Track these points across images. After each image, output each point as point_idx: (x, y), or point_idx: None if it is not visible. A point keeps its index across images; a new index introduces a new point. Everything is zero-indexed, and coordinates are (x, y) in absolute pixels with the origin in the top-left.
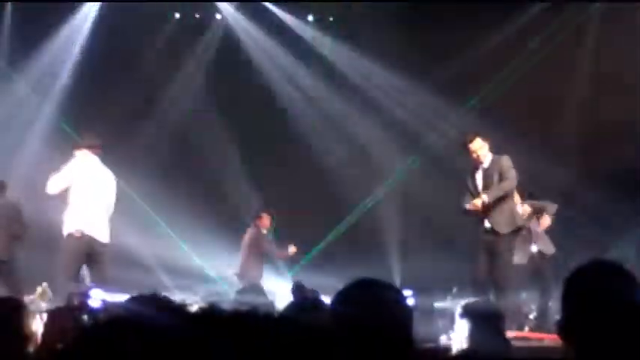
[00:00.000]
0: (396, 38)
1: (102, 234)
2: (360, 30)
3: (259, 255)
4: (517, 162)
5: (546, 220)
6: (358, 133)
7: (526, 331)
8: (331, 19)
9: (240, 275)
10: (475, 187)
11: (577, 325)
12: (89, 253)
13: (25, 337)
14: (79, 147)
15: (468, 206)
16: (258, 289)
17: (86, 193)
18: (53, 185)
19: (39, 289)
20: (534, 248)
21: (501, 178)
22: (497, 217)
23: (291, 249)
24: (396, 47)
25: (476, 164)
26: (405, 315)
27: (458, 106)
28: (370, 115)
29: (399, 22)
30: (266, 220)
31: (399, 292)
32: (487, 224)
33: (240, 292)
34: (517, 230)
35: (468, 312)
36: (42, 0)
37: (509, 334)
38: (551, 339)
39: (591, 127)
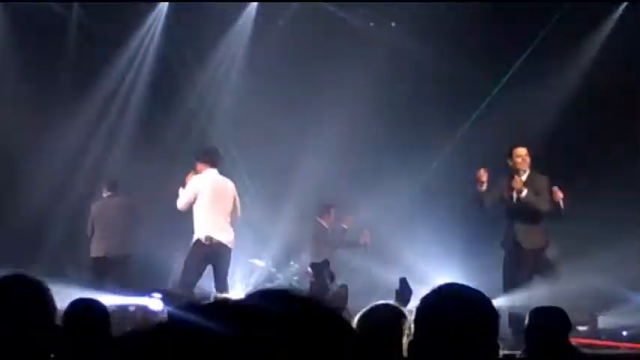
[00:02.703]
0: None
1: (227, 239)
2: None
3: (325, 248)
4: None
5: None
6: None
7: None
8: (393, 24)
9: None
10: (508, 198)
11: None
12: (215, 256)
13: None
14: (199, 161)
15: (515, 184)
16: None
17: (209, 204)
18: (182, 203)
19: None
20: None
21: (537, 195)
22: (524, 234)
23: (365, 237)
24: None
25: (512, 174)
26: (492, 322)
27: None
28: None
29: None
30: (330, 217)
31: (486, 299)
32: (515, 238)
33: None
34: (542, 249)
35: (537, 318)
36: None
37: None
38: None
39: None
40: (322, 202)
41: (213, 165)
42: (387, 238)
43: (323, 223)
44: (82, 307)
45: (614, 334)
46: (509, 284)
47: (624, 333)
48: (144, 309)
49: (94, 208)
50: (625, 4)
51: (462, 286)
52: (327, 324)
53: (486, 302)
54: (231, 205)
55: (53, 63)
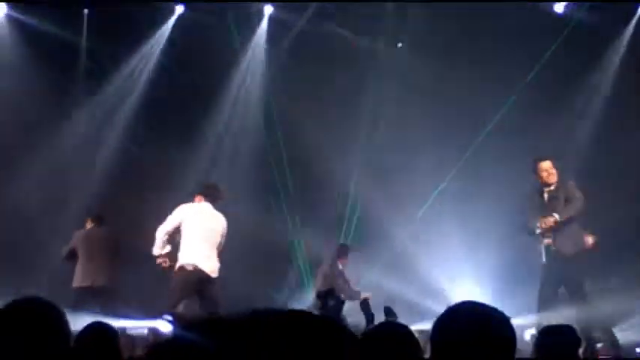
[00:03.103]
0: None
1: (211, 268)
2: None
3: (331, 285)
4: None
5: None
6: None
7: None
8: (400, 45)
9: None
10: (542, 208)
11: None
12: (199, 284)
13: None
14: (196, 193)
15: (539, 226)
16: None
17: (196, 234)
18: (163, 230)
19: None
20: None
21: (567, 201)
22: (563, 240)
23: (365, 294)
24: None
25: (542, 187)
26: (508, 340)
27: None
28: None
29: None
30: (346, 259)
31: (503, 317)
32: (553, 247)
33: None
34: (583, 252)
35: (547, 336)
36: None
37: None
38: None
39: None
40: (341, 243)
41: (209, 199)
42: (408, 255)
43: (339, 264)
44: (94, 330)
45: (628, 351)
46: (546, 300)
47: (638, 350)
48: (154, 331)
49: (78, 236)
50: None
51: (478, 304)
52: (320, 329)
53: (503, 320)
54: (219, 239)
55: (63, 89)
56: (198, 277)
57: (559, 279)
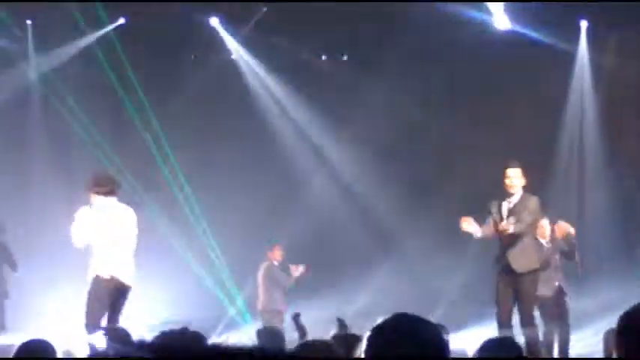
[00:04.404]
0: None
1: (128, 276)
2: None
3: (277, 287)
4: None
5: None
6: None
7: None
8: (345, 57)
9: (264, 310)
10: (500, 218)
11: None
12: (116, 294)
13: None
14: (92, 192)
15: (497, 229)
16: (275, 334)
17: (108, 237)
18: (78, 239)
19: None
20: (557, 283)
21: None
22: (515, 256)
23: (298, 269)
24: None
25: (504, 196)
26: (442, 353)
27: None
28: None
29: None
30: (277, 253)
31: (437, 329)
32: (505, 262)
33: (257, 333)
34: (535, 270)
35: (487, 350)
36: None
37: None
38: None
39: None
40: (270, 242)
41: (110, 194)
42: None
43: (274, 261)
44: (31, 348)
45: None
46: (505, 320)
47: None
48: (91, 347)
49: None
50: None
51: (411, 316)
52: None
53: (435, 334)
54: (131, 237)
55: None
56: (115, 287)
57: (513, 294)
